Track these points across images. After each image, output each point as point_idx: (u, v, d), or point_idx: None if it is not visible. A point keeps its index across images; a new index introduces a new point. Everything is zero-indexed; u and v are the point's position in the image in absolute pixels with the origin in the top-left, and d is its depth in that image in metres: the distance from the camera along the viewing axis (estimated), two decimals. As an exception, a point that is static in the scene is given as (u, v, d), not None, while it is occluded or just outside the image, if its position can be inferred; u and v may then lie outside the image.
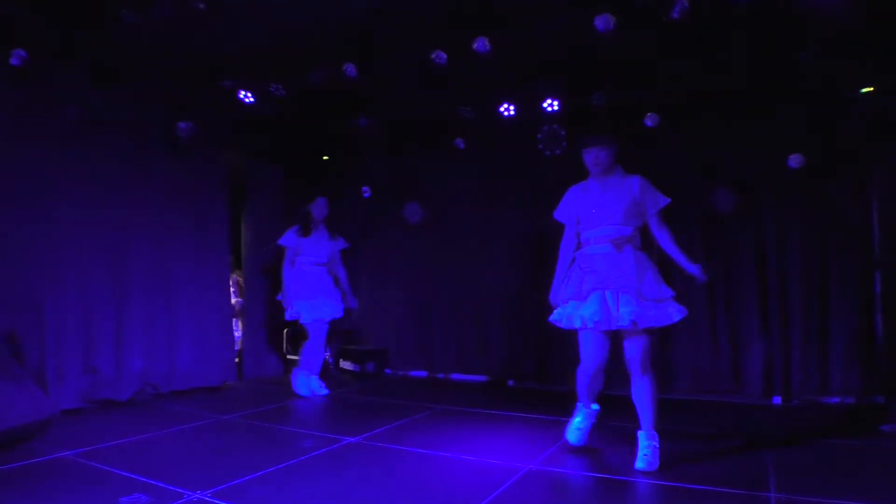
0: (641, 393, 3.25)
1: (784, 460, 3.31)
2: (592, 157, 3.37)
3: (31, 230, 4.42)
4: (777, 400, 4.79)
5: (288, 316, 5.36)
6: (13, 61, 4.12)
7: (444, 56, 4.47)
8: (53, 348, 4.51)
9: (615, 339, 3.35)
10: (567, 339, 3.48)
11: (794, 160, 4.67)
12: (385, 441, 3.82)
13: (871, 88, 4.50)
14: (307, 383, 5.31)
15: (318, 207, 5.40)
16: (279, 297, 5.45)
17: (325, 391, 5.33)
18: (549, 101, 5.25)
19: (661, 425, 3.25)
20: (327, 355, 6.42)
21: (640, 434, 3.23)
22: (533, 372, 5.70)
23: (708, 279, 3.27)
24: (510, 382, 5.78)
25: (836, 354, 4.69)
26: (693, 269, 3.24)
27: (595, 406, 3.56)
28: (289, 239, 5.36)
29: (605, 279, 3.22)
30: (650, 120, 4.97)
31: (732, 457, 3.42)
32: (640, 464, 3.12)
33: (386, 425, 4.22)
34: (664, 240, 3.34)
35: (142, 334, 5.19)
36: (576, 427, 3.51)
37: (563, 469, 3.17)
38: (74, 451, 3.54)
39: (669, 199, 3.36)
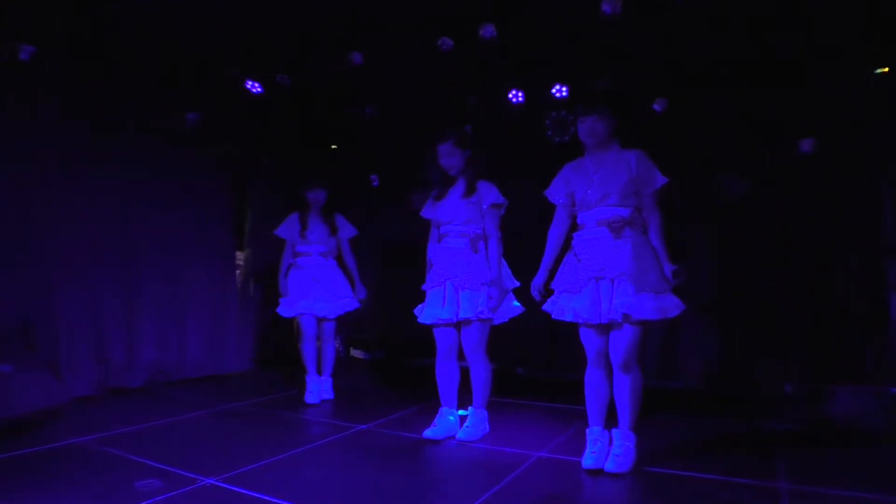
0: (621, 390, 2.97)
1: (795, 450, 3.30)
2: (587, 127, 3.02)
3: (43, 224, 4.45)
4: (788, 388, 4.76)
5: (279, 310, 4.87)
6: (22, 56, 4.12)
7: (451, 42, 4.45)
8: (66, 338, 4.55)
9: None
10: (575, 328, 3.45)
11: (806, 144, 4.63)
12: (396, 428, 3.85)
13: (886, 69, 4.43)
14: (312, 388, 4.72)
15: (314, 193, 4.86)
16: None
17: (327, 395, 4.76)
18: (557, 87, 5.22)
19: (664, 415, 3.18)
20: (337, 345, 6.45)
21: (614, 432, 3.01)
22: (542, 360, 5.71)
23: (679, 283, 2.93)
24: (519, 370, 5.79)
25: (846, 342, 4.66)
26: (668, 267, 2.93)
27: (605, 431, 3.11)
28: (284, 229, 4.92)
29: (601, 266, 2.94)
30: (659, 105, 4.93)
31: (742, 446, 3.42)
32: (609, 464, 2.91)
33: (396, 413, 4.24)
34: (653, 225, 3.00)
35: (152, 324, 5.23)
36: (589, 453, 3.03)
37: (574, 457, 3.17)
38: (89, 437, 3.57)
39: (668, 180, 3.01)
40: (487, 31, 4.26)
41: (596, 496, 2.74)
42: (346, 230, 5.02)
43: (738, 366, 5.01)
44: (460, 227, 3.61)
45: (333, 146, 6.96)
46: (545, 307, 3.19)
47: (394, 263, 6.47)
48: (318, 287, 4.75)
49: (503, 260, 3.68)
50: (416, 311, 3.74)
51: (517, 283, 3.70)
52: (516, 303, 3.72)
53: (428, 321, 3.63)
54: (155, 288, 5.25)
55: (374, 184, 6.64)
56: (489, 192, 3.60)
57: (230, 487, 2.77)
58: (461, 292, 3.52)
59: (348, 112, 5.98)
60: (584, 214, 3.09)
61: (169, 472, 2.96)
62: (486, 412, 3.66)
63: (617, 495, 2.75)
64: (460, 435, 3.53)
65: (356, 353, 6.51)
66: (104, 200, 4.85)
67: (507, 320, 3.69)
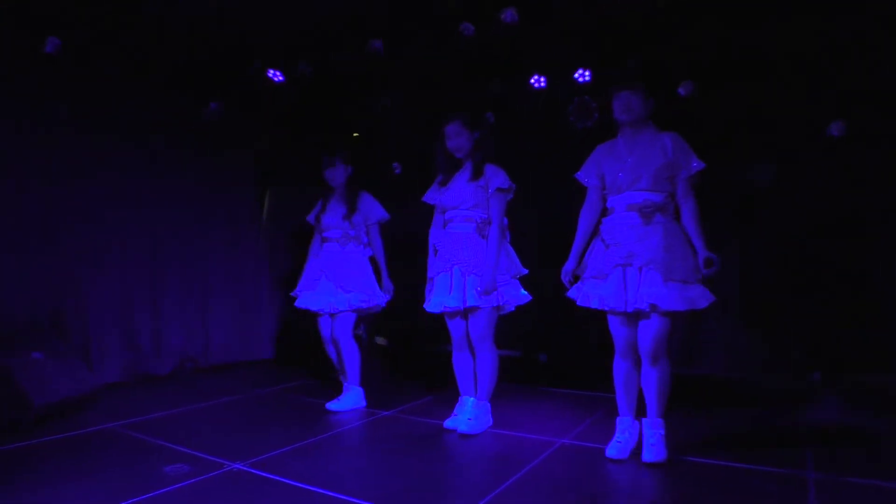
0: (649, 381, 2.91)
1: (822, 439, 3.26)
2: (623, 102, 2.91)
3: (73, 215, 4.56)
4: (816, 377, 4.69)
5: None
6: (47, 49, 4.17)
7: (472, 28, 4.42)
8: (96, 326, 4.68)
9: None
10: (601, 315, 3.42)
11: (836, 128, 4.52)
12: (420, 415, 3.87)
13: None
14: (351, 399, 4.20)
15: (330, 172, 4.33)
16: None
17: (336, 406, 4.11)
18: (580, 71, 5.16)
19: (690, 404, 3.12)
20: (360, 332, 6.49)
21: (644, 422, 2.96)
22: (565, 347, 5.69)
23: (712, 273, 2.80)
24: (542, 357, 5.78)
25: (876, 331, 4.55)
26: (702, 255, 2.81)
27: (636, 422, 3.05)
28: (311, 215, 4.49)
29: (628, 253, 2.84)
30: (684, 89, 4.85)
31: (770, 435, 3.38)
32: (646, 454, 2.87)
33: (420, 399, 4.27)
34: (686, 211, 2.88)
35: (179, 312, 5.34)
36: (615, 442, 3.00)
37: (597, 444, 3.16)
38: (119, 422, 3.66)
39: (704, 165, 2.88)
40: (508, 14, 4.21)
41: (619, 482, 2.73)
42: (373, 212, 4.38)
43: (765, 354, 4.94)
44: (466, 211, 3.49)
45: (355, 134, 6.97)
46: (570, 293, 3.10)
47: (418, 250, 6.47)
48: (321, 278, 4.25)
49: (510, 248, 3.58)
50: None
51: (525, 271, 3.59)
52: (524, 291, 3.59)
53: (435, 309, 3.51)
54: (182, 277, 5.36)
55: (397, 171, 6.64)
56: (496, 176, 3.47)
57: (257, 472, 2.81)
58: (468, 278, 3.40)
59: (370, 100, 5.97)
60: (614, 198, 2.98)
61: (197, 456, 3.01)
62: (489, 404, 3.54)
63: (641, 482, 2.73)
64: (462, 428, 3.40)
65: (379, 339, 6.54)
66: (132, 192, 4.95)
67: (513, 309, 3.60)
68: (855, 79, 4.50)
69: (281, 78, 5.32)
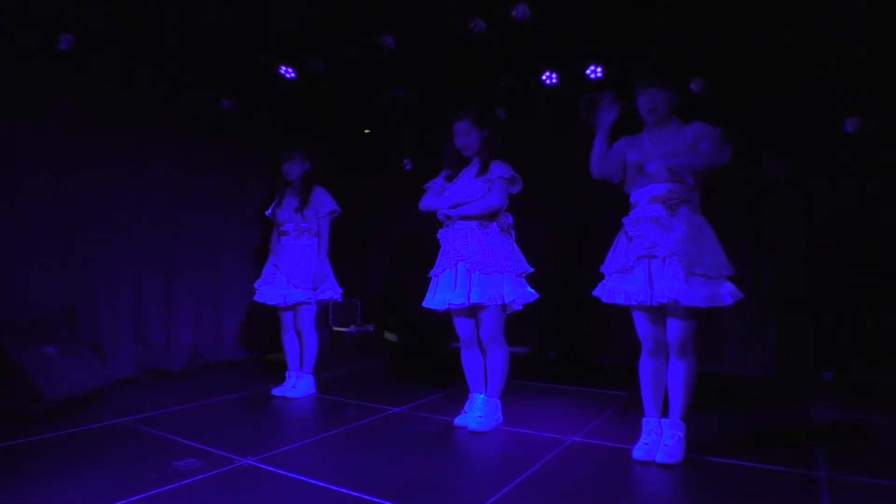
0: (675, 377, 2.86)
1: (835, 439, 3.23)
2: (647, 100, 2.88)
3: (86, 211, 4.59)
4: (828, 376, 4.65)
5: None
6: (62, 46, 4.19)
7: (483, 24, 4.41)
8: (108, 321, 4.71)
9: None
10: (612, 313, 3.40)
11: (851, 124, 4.47)
12: (429, 412, 3.86)
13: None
14: (286, 383, 4.44)
15: (286, 167, 4.43)
16: None
17: (293, 393, 4.31)
18: (592, 67, 5.13)
19: (702, 402, 3.08)
20: (371, 328, 6.50)
21: (664, 422, 2.91)
22: (576, 345, 5.67)
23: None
24: (552, 355, 5.76)
25: (889, 330, 4.51)
26: None
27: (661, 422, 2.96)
28: (269, 209, 4.58)
29: (651, 244, 2.78)
30: (696, 85, 4.81)
31: (782, 434, 3.35)
32: (660, 455, 2.81)
33: (429, 396, 4.26)
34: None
35: (191, 308, 5.37)
36: (642, 444, 2.92)
37: (608, 442, 3.15)
38: (130, 417, 3.68)
39: (728, 160, 2.80)
40: (520, 11, 4.19)
41: (629, 480, 2.72)
42: (324, 204, 4.44)
43: (778, 352, 4.91)
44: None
45: (367, 130, 6.98)
46: (595, 292, 3.02)
47: (426, 247, 6.46)
48: (276, 273, 4.38)
49: (516, 246, 3.52)
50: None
51: (531, 270, 3.53)
52: (530, 289, 3.55)
53: (440, 307, 3.47)
54: (194, 273, 5.40)
55: (408, 168, 6.64)
56: (500, 168, 3.45)
57: (267, 468, 2.81)
58: (473, 275, 3.37)
59: (381, 96, 5.97)
60: (637, 192, 2.91)
61: (208, 451, 3.03)
62: (499, 402, 3.53)
63: (653, 480, 2.72)
64: (472, 425, 3.40)
65: (389, 336, 6.55)
66: (145, 189, 4.99)
67: (521, 307, 3.57)
68: (871, 74, 4.45)
69: (293, 74, 5.33)
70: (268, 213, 4.58)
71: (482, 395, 3.54)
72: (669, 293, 2.69)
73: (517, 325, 5.73)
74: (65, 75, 4.39)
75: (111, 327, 4.73)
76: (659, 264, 2.76)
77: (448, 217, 3.47)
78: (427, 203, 3.60)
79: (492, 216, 3.44)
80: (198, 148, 5.37)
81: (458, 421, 3.52)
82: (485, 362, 3.56)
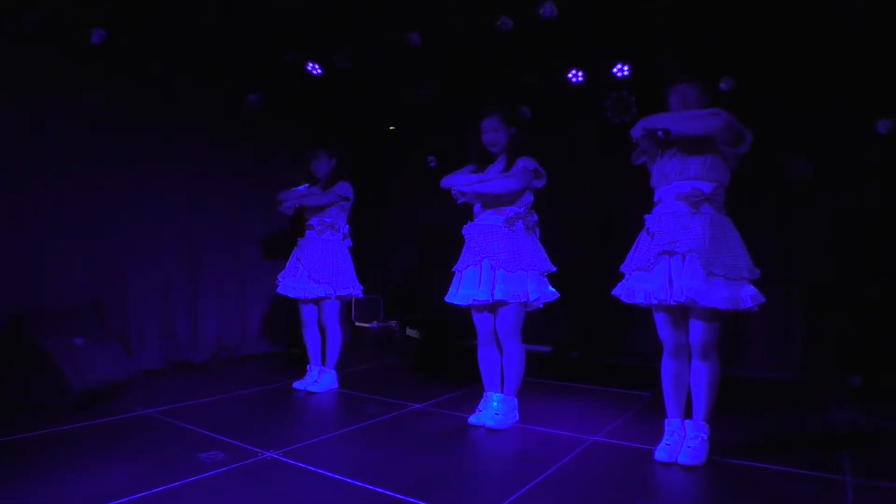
0: (698, 379, 2.83)
1: (861, 443, 3.17)
2: (679, 96, 2.86)
3: (113, 205, 4.67)
4: (856, 381, 4.55)
5: None
6: (94, 40, 4.26)
7: (510, 23, 4.40)
8: (134, 314, 4.79)
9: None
10: (635, 313, 3.36)
11: (884, 126, 4.38)
12: (451, 408, 3.87)
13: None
14: (307, 377, 4.48)
15: (313, 165, 4.52)
16: None
17: (316, 387, 4.34)
18: (619, 65, 5.09)
19: (726, 404, 3.04)
20: (394, 325, 6.52)
21: (687, 423, 2.88)
22: (599, 344, 5.64)
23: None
24: (574, 354, 5.73)
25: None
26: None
27: (683, 423, 2.94)
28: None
29: (671, 239, 2.74)
30: (725, 84, 4.75)
31: (807, 437, 3.30)
32: (683, 457, 2.78)
33: (451, 393, 4.27)
34: None
35: (215, 301, 5.44)
36: (664, 445, 2.90)
37: (629, 442, 3.13)
38: (156, 408, 3.74)
39: (747, 148, 2.75)
40: (547, 9, 4.17)
41: (650, 480, 2.70)
42: (339, 190, 4.46)
43: (804, 354, 4.83)
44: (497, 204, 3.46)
45: (391, 127, 7.00)
46: (614, 291, 3.00)
47: (448, 243, 6.46)
48: (299, 266, 4.40)
49: (539, 244, 3.52)
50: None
51: (553, 268, 3.52)
52: (552, 288, 3.54)
53: (464, 302, 3.47)
54: (219, 266, 5.47)
55: (432, 165, 6.64)
56: (526, 160, 3.44)
57: (289, 461, 2.84)
58: (497, 272, 3.37)
59: (406, 93, 5.98)
60: (662, 189, 2.86)
61: (231, 444, 3.07)
62: (516, 399, 3.52)
63: (676, 482, 2.69)
64: (490, 423, 3.40)
65: (411, 332, 6.57)
66: (172, 182, 5.06)
67: (542, 306, 3.56)
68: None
69: (319, 70, 5.36)
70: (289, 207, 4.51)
71: (497, 394, 3.54)
72: (688, 292, 2.65)
73: (541, 323, 5.74)
74: (94, 71, 4.47)
75: (138, 319, 4.81)
76: (679, 262, 2.72)
77: (462, 193, 3.44)
78: (448, 179, 3.56)
79: (510, 200, 3.42)
80: (223, 144, 5.43)
81: (472, 420, 3.51)
82: (501, 360, 3.55)
